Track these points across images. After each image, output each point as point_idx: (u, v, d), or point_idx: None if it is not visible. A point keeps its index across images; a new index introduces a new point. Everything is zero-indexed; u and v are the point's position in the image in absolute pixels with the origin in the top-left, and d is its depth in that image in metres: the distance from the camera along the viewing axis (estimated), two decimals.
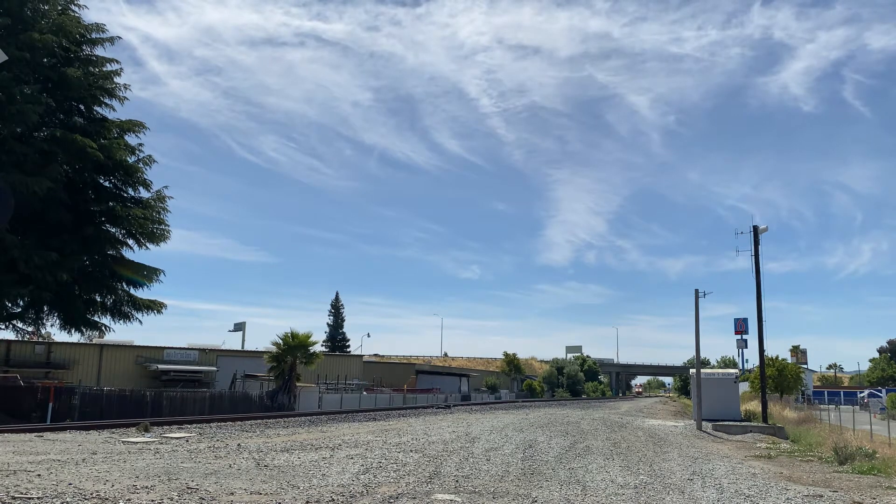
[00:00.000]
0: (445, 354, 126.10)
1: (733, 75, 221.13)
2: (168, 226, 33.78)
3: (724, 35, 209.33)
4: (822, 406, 55.35)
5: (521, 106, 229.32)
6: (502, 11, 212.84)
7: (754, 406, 39.71)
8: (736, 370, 49.35)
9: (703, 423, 30.76)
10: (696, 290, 33.64)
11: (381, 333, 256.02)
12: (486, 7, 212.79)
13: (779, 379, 51.32)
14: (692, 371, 36.20)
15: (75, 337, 35.57)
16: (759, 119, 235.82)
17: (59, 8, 31.50)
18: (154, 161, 33.63)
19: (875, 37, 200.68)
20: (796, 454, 21.21)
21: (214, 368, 48.38)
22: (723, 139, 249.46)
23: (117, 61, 32.79)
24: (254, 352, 55.59)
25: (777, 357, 55.90)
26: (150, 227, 32.70)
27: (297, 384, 39.04)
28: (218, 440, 18.76)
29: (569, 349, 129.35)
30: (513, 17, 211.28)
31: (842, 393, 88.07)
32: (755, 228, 34.46)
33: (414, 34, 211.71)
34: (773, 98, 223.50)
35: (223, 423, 25.39)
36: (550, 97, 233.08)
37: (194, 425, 24.31)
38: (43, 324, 33.26)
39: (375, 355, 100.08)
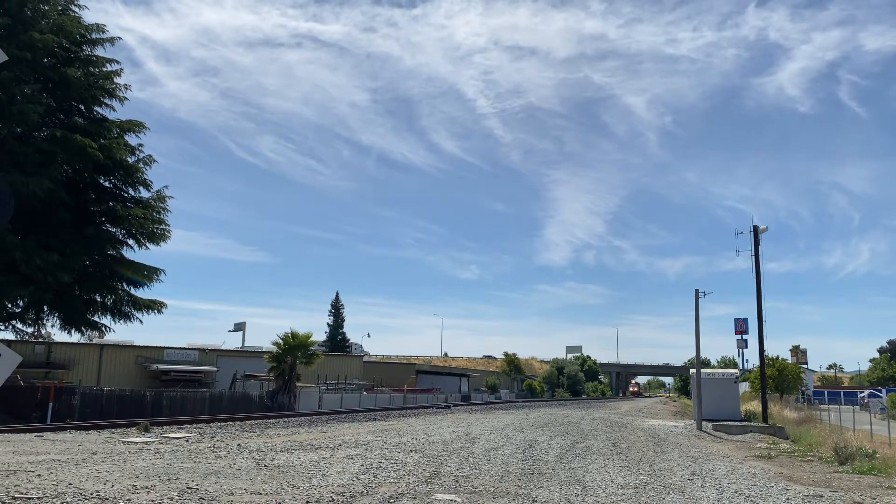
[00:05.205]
0: (445, 354, 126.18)
1: (729, 76, 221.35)
2: (168, 225, 33.76)
3: (719, 36, 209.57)
4: (822, 406, 55.30)
5: (517, 107, 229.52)
6: (498, 13, 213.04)
7: (754, 406, 39.71)
8: (736, 370, 49.35)
9: (704, 423, 30.75)
10: (696, 291, 33.67)
11: (381, 333, 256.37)
12: (481, 8, 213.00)
13: (779, 379, 51.31)
14: (692, 371, 36.19)
15: (75, 337, 35.59)
16: (755, 120, 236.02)
17: (59, 8, 31.49)
18: (154, 161, 33.63)
19: (870, 38, 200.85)
20: (796, 454, 21.20)
21: (214, 368, 48.35)
22: (720, 140, 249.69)
23: (117, 62, 32.77)
24: (254, 352, 55.59)
25: (777, 357, 55.92)
26: (150, 226, 32.66)
27: (297, 384, 39.04)
28: (218, 440, 18.75)
29: (569, 349, 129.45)
30: (509, 18, 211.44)
31: (842, 393, 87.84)
32: (755, 228, 34.46)
33: (410, 35, 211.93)
34: (770, 99, 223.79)
35: (223, 423, 25.37)
36: (547, 98, 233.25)
37: (194, 425, 24.30)
38: (43, 324, 33.25)
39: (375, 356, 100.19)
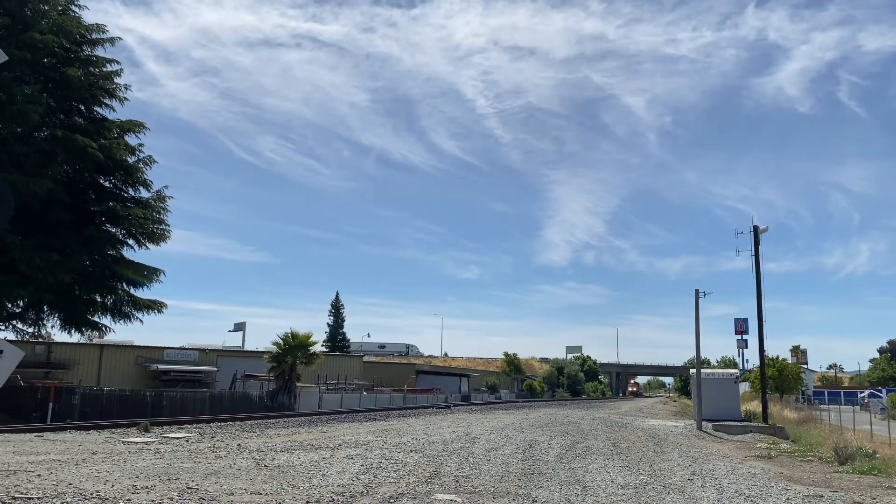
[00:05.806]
0: (445, 354, 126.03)
1: (729, 76, 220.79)
2: (168, 225, 33.77)
3: (718, 36, 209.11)
4: (822, 406, 55.35)
5: (517, 107, 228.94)
6: (497, 13, 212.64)
7: (754, 406, 39.73)
8: (736, 370, 49.36)
9: (704, 423, 30.75)
10: (697, 291, 33.67)
11: (381, 334, 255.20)
12: (481, 9, 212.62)
13: (779, 379, 51.34)
14: (692, 371, 36.20)
15: (75, 337, 35.61)
16: (755, 120, 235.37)
17: (59, 8, 31.50)
18: (154, 161, 33.63)
19: (869, 38, 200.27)
20: (796, 454, 21.21)
21: (214, 368, 48.35)
22: (719, 140, 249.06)
23: (117, 62, 32.77)
24: (254, 352, 55.55)
25: (777, 357, 55.97)
26: (150, 226, 32.68)
27: (298, 384, 39.05)
28: (218, 440, 18.76)
29: (569, 349, 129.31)
30: (508, 18, 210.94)
31: (842, 393, 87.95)
32: (755, 228, 34.47)
33: (410, 35, 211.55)
34: (769, 99, 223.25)
35: (223, 423, 25.38)
36: (547, 98, 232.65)
37: (194, 425, 24.30)
38: (43, 324, 33.26)
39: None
